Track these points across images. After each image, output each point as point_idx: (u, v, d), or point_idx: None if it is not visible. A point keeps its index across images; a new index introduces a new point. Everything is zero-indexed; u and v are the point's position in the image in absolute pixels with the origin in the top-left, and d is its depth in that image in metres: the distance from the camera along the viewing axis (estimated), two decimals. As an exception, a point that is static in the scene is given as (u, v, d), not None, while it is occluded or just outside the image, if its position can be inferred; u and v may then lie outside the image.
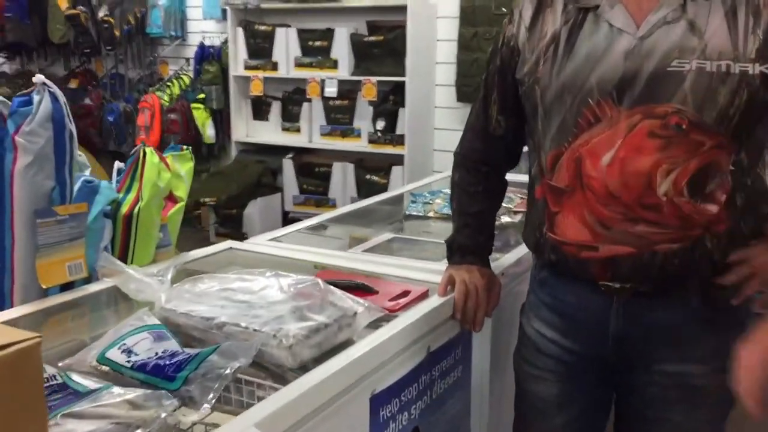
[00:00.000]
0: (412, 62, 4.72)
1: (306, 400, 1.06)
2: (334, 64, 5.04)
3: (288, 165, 5.34)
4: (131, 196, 1.63)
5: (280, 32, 5.21)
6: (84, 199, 1.51)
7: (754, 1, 1.22)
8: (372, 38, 4.95)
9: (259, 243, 1.85)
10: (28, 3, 6.26)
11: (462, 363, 1.55)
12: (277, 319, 1.20)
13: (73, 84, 6.59)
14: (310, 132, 5.30)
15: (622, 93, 1.25)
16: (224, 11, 5.54)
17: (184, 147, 1.83)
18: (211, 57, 5.75)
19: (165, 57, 6.28)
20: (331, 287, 1.33)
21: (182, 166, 1.79)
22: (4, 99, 1.43)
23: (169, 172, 1.69)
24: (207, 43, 5.83)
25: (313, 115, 5.25)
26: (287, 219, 5.37)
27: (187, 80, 6.01)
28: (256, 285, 1.32)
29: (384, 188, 4.90)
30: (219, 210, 5.35)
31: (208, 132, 5.79)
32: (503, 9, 4.47)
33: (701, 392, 1.34)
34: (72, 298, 1.47)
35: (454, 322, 1.49)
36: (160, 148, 5.73)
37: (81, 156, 1.71)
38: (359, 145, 5.09)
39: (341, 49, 5.00)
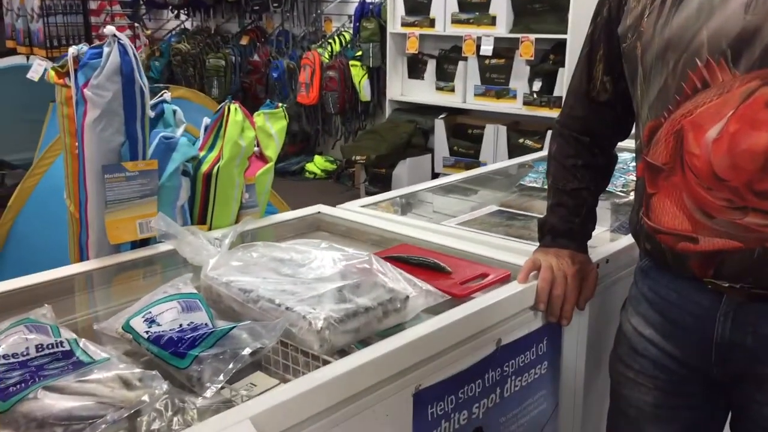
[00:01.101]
0: (575, 18, 4.38)
1: (321, 395, 0.94)
2: (492, 21, 4.81)
3: (440, 126, 5.21)
4: (213, 154, 1.58)
5: (439, -14, 5.05)
6: (160, 156, 1.47)
7: None
8: (534, -8, 4.67)
9: (349, 209, 1.74)
10: (205, -39, 6.55)
11: (547, 359, 1.36)
12: (313, 298, 1.09)
13: (244, 41, 6.83)
14: (464, 92, 5.12)
15: (738, 53, 1.01)
16: (387, -34, 5.46)
17: (279, 105, 1.75)
18: (370, 13, 5.69)
19: (329, 14, 6.33)
20: (388, 266, 1.19)
21: (274, 124, 1.72)
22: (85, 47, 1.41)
23: (253, 131, 1.62)
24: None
25: (468, 74, 5.06)
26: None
27: (347, 37, 6.02)
28: (307, 258, 1.21)
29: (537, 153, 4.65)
30: (369, 168, 5.34)
31: (364, 90, 5.77)
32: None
33: None
34: (142, 256, 1.45)
35: (536, 312, 1.30)
36: (319, 105, 5.75)
37: (178, 111, 1.68)
38: (514, 106, 4.84)
39: (500, 5, 4.76)
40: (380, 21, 5.58)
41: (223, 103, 1.62)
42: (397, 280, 1.16)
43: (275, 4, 6.24)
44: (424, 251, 1.43)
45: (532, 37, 4.62)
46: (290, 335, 1.06)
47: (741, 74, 1.01)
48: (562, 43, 4.51)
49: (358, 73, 5.74)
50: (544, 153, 2.55)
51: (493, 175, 2.23)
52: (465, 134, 5.15)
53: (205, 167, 1.57)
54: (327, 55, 5.94)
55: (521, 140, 4.81)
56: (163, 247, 1.47)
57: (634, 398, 1.27)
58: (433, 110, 5.28)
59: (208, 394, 0.94)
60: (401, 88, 5.52)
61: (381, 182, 5.26)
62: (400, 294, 1.14)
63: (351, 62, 5.75)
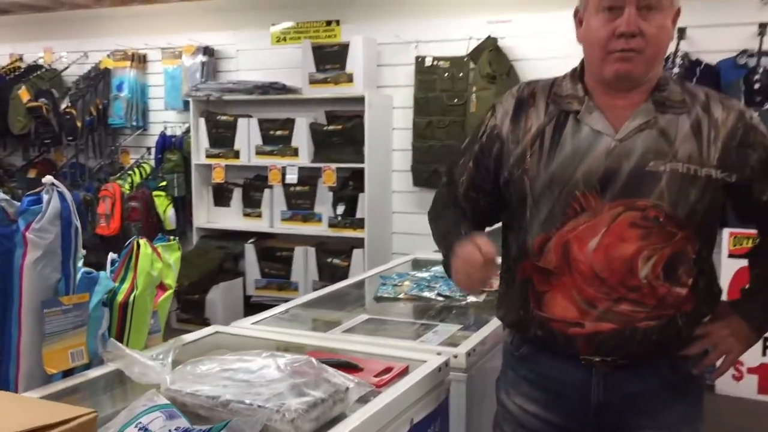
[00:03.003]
0: (369, 149, 4.94)
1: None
2: (295, 152, 5.22)
3: (250, 250, 5.44)
4: (126, 285, 1.74)
5: (242, 122, 5.39)
6: (85, 290, 1.61)
7: (713, 117, 1.44)
8: (331, 127, 5.17)
9: (242, 327, 1.95)
10: (-12, 96, 6.38)
11: (441, 434, 1.66)
12: (277, 396, 1.31)
13: (31, 173, 6.64)
14: (272, 217, 5.42)
15: (605, 187, 1.42)
16: (186, 102, 5.72)
17: (171, 238, 1.95)
18: (172, 146, 5.89)
19: (126, 146, 6.40)
20: (324, 365, 1.44)
21: (170, 255, 1.91)
22: (8, 198, 1.55)
23: (160, 262, 1.80)
24: (168, 132, 5.98)
25: (274, 200, 5.39)
26: (249, 303, 5.43)
27: (148, 168, 6.13)
28: (255, 365, 1.43)
29: (345, 270, 5.04)
30: (180, 296, 5.39)
31: (169, 219, 5.87)
32: (455, 100, 4.77)
33: None
34: (74, 384, 1.55)
35: (434, 395, 1.61)
36: (121, 235, 5.70)
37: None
38: (320, 229, 5.23)
39: (301, 138, 5.19)
40: (183, 152, 5.79)
41: (131, 239, 1.80)
42: (336, 376, 1.41)
43: (69, 138, 6.21)
44: (329, 355, 1.69)
45: (333, 166, 5.09)
46: (264, 429, 1.26)
47: (608, 202, 1.41)
48: (359, 171, 5.02)
49: (162, 203, 5.84)
50: (387, 266, 2.93)
51: (350, 290, 2.54)
52: (275, 257, 5.42)
53: (120, 297, 1.72)
54: (128, 186, 5.98)
55: (329, 259, 5.19)
56: (93, 373, 1.59)
57: None
58: (242, 235, 5.51)
59: (218, 481, 1.12)
60: (207, 215, 5.71)
61: (194, 308, 5.33)
62: (342, 386, 1.39)
63: (155, 192, 5.84)
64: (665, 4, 1.42)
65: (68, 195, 1.54)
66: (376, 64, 5.14)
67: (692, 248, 1.44)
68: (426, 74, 4.93)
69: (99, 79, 6.20)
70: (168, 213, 5.86)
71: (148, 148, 6.20)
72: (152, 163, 6.11)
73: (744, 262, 4.19)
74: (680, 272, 1.43)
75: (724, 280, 3.92)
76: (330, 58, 5.09)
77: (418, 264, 2.91)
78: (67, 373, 1.59)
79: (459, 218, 1.61)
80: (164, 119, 6.12)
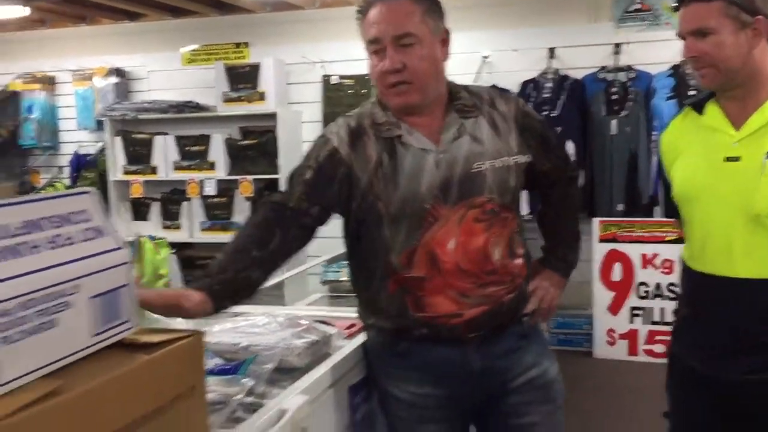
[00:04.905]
0: (283, 161, 5.37)
1: (318, 384, 1.65)
2: (212, 166, 5.58)
3: (172, 259, 5.73)
4: (135, 273, 2.15)
5: (158, 139, 5.68)
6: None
7: (501, 111, 1.70)
8: (245, 142, 5.57)
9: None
10: None
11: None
12: (284, 340, 1.78)
13: (-64, 196, 6.64)
14: (191, 228, 5.72)
15: (445, 195, 1.62)
16: (99, 122, 5.96)
17: (159, 237, 2.38)
18: (87, 164, 6.09)
19: (36, 167, 6.53)
20: (311, 320, 1.93)
21: (162, 251, 2.34)
22: None
23: (159, 254, 2.23)
24: (82, 151, 6.17)
25: (193, 212, 5.68)
26: (173, 310, 5.72)
27: (61, 187, 6.28)
28: (259, 322, 1.89)
29: (265, 274, 5.42)
30: (106, 307, 5.61)
31: (88, 234, 6.07)
32: (361, 114, 5.29)
33: (545, 386, 1.78)
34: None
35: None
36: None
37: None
38: (239, 236, 5.59)
39: (217, 152, 5.55)
40: (99, 170, 6.00)
41: (135, 238, 2.22)
42: (322, 327, 1.90)
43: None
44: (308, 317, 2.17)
45: (249, 177, 5.48)
46: (278, 361, 1.73)
47: (452, 207, 1.61)
48: (275, 181, 5.43)
49: (80, 220, 6.03)
50: (306, 265, 3.38)
51: (286, 282, 3.00)
52: (196, 265, 5.71)
53: (132, 283, 2.13)
54: (43, 205, 6.13)
55: (249, 264, 5.57)
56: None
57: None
58: (162, 247, 5.81)
59: (259, 391, 1.58)
60: (127, 229, 5.92)
61: (120, 317, 5.56)
62: (327, 333, 1.88)
63: (72, 210, 6.02)
64: (423, 37, 1.59)
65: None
66: (286, 82, 5.60)
67: (515, 223, 1.71)
68: (332, 91, 5.45)
69: (8, 101, 6.33)
70: (86, 229, 6.05)
71: (60, 168, 6.37)
72: (66, 182, 6.27)
73: (610, 246, 5.03)
74: (515, 246, 1.70)
75: (596, 263, 4.64)
76: (242, 78, 5.50)
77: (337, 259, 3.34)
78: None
79: (244, 246, 1.64)
80: (76, 139, 6.30)
